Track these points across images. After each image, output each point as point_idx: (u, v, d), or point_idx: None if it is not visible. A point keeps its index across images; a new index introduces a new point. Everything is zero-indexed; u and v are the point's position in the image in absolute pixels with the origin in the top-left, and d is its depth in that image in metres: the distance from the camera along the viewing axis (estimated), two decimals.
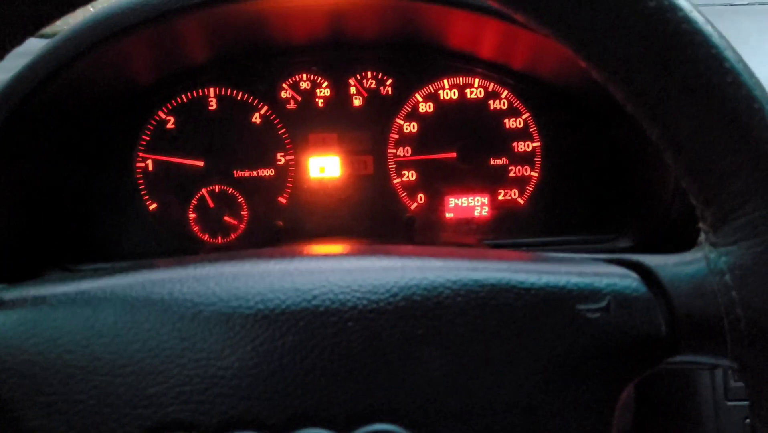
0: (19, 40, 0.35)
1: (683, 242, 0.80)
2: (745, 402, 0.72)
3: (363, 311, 0.34)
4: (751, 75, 0.32)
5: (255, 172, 0.93)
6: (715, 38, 0.32)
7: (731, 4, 0.96)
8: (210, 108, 0.92)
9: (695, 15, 0.32)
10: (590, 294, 0.35)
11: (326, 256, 0.40)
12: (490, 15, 0.75)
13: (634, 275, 0.36)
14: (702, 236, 0.35)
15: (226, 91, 0.92)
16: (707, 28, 0.32)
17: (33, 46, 0.75)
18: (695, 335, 0.34)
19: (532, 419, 0.35)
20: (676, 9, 0.31)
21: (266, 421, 0.34)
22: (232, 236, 0.93)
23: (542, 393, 0.35)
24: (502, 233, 0.93)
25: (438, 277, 0.35)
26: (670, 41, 0.31)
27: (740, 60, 0.32)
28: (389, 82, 0.94)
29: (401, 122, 0.94)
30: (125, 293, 0.36)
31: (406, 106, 0.94)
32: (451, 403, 0.34)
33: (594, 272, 0.36)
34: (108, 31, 0.73)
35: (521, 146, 0.94)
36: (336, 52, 0.93)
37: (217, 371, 0.34)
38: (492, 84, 0.93)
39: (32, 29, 0.35)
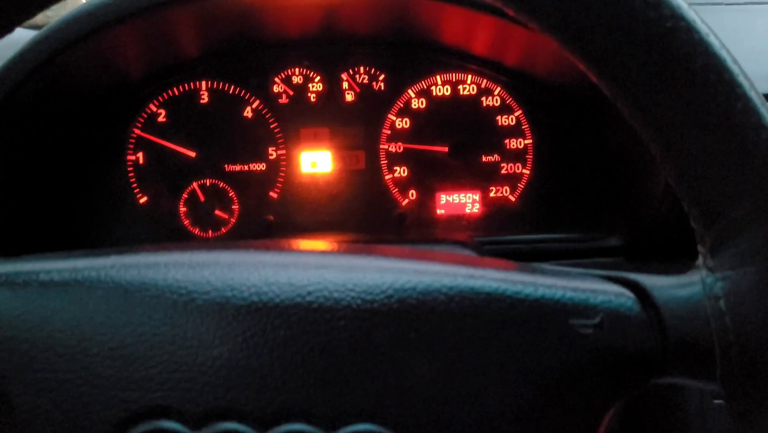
0: (7, 29, 0.35)
1: (672, 242, 0.80)
2: None
3: (356, 310, 0.34)
4: (763, 102, 0.32)
5: (246, 167, 0.93)
6: (729, 63, 0.31)
7: (726, 3, 0.96)
8: (202, 101, 0.92)
9: (711, 38, 0.31)
10: (584, 309, 0.35)
11: (323, 252, 0.40)
12: (483, 11, 0.75)
13: (629, 293, 0.36)
14: (699, 259, 0.35)
15: (218, 85, 0.92)
16: (722, 53, 0.31)
17: (22, 37, 0.74)
18: (686, 358, 0.34)
19: (518, 430, 0.35)
20: (691, 31, 0.31)
21: (252, 413, 0.34)
22: (223, 230, 0.93)
23: (530, 404, 0.35)
24: (493, 229, 0.94)
25: (434, 281, 0.35)
26: (681, 63, 0.31)
27: (752, 87, 0.32)
28: (382, 77, 0.93)
29: (393, 118, 0.94)
30: (119, 275, 0.35)
31: (398, 102, 0.93)
32: (438, 409, 0.34)
33: (589, 288, 0.36)
34: (99, 22, 0.72)
35: (513, 143, 0.94)
36: (329, 47, 0.93)
37: (206, 360, 0.34)
38: (485, 81, 0.93)
39: (21, 17, 0.34)
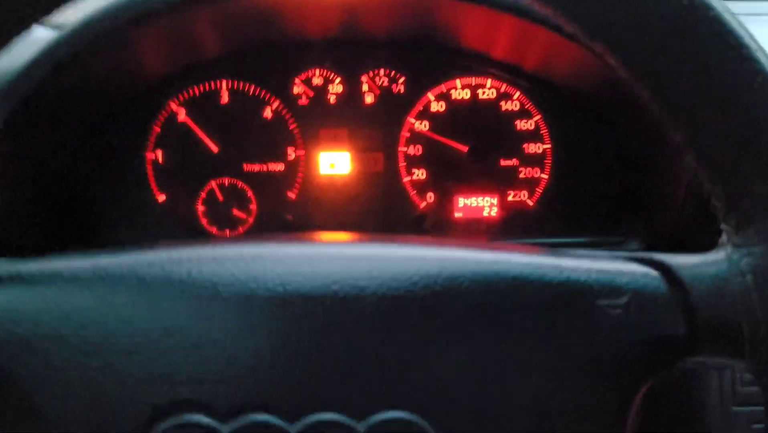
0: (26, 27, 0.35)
1: (692, 246, 0.80)
2: (753, 408, 0.72)
3: (382, 298, 0.34)
4: None
5: (265, 167, 0.93)
6: (746, 39, 0.31)
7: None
8: (222, 101, 0.92)
9: (730, 21, 0.31)
10: (611, 290, 0.35)
11: (347, 242, 0.40)
12: (504, 11, 0.75)
13: (654, 273, 0.36)
14: (724, 237, 0.35)
15: (238, 85, 0.92)
16: (741, 34, 0.31)
17: (44, 36, 0.75)
18: (714, 336, 0.34)
19: (548, 414, 0.35)
20: (710, 14, 0.31)
21: (281, 405, 0.34)
22: (240, 229, 0.93)
23: (560, 388, 0.35)
24: (511, 233, 0.93)
25: (459, 268, 0.35)
26: (701, 46, 0.31)
27: None
28: (402, 80, 0.94)
29: (413, 121, 0.94)
30: (143, 271, 0.35)
31: (418, 105, 0.94)
32: (467, 394, 0.34)
33: (615, 269, 0.36)
34: (122, 21, 0.72)
35: (532, 148, 0.94)
36: (349, 49, 0.93)
37: (233, 353, 0.34)
38: (504, 85, 0.93)
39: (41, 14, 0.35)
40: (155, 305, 0.34)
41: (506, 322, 0.35)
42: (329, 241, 0.41)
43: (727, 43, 0.31)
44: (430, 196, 0.94)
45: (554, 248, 0.40)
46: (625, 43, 0.32)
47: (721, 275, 0.34)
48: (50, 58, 0.73)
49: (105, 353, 0.34)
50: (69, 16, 0.79)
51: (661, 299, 0.35)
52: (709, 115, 0.32)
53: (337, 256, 0.37)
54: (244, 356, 0.34)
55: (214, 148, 0.92)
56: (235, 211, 0.93)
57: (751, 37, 0.32)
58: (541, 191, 0.94)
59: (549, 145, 0.94)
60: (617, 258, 0.38)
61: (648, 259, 0.37)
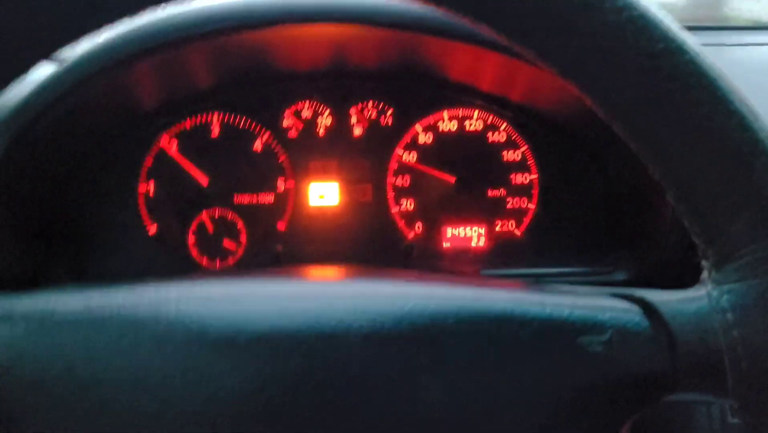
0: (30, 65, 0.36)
1: (680, 277, 0.80)
2: None
3: (367, 337, 0.34)
4: (756, 118, 0.32)
5: (255, 198, 0.94)
6: (722, 81, 0.32)
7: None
8: (212, 134, 0.94)
9: (701, 58, 0.32)
10: (593, 327, 0.35)
11: (332, 280, 0.40)
12: (490, 48, 0.76)
13: (636, 309, 0.36)
14: (704, 274, 0.35)
15: (229, 118, 0.94)
16: (713, 71, 0.32)
17: (42, 70, 0.76)
18: (696, 373, 0.34)
19: None
20: (682, 52, 0.32)
21: None
22: (231, 260, 0.94)
23: (543, 424, 0.35)
24: (499, 263, 0.94)
25: (442, 305, 0.36)
26: (675, 83, 0.32)
27: (745, 102, 0.32)
28: (390, 112, 0.95)
29: (401, 152, 0.95)
30: (132, 310, 0.35)
31: (406, 137, 0.95)
32: (451, 431, 0.34)
33: (597, 306, 0.36)
34: (118, 57, 0.74)
35: (519, 178, 0.95)
36: (337, 82, 0.95)
37: (219, 393, 0.34)
38: (491, 116, 0.94)
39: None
40: (142, 344, 0.35)
41: (490, 358, 0.35)
42: (315, 278, 0.41)
43: (702, 84, 0.32)
44: (419, 227, 0.95)
45: (539, 284, 0.41)
46: (599, 81, 0.33)
47: (701, 312, 0.34)
48: (48, 93, 0.74)
49: (93, 391, 0.34)
50: (70, 52, 0.81)
51: (643, 335, 0.35)
52: (686, 153, 0.32)
53: (322, 294, 0.37)
54: (231, 395, 0.34)
55: (204, 182, 0.93)
56: (226, 243, 0.93)
57: (726, 77, 0.32)
58: (528, 221, 0.95)
59: (536, 176, 0.94)
60: (600, 294, 0.38)
61: (630, 295, 0.38)
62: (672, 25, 0.33)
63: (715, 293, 0.34)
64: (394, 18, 0.72)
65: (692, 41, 0.32)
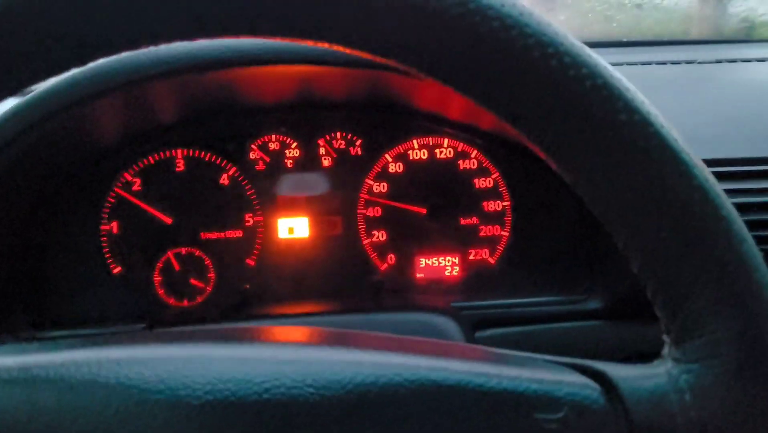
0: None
1: (652, 306, 0.80)
2: None
3: (315, 406, 0.33)
4: (719, 193, 0.32)
5: (223, 234, 0.92)
6: (684, 154, 0.31)
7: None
8: (177, 169, 0.91)
9: (665, 131, 0.32)
10: (548, 402, 0.34)
11: (283, 343, 0.39)
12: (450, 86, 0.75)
13: (594, 385, 0.35)
14: (665, 349, 0.34)
15: (193, 152, 0.92)
16: (676, 144, 0.32)
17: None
18: None
19: None
20: (646, 124, 0.31)
21: None
22: (198, 299, 0.91)
23: None
24: (473, 293, 0.93)
25: (396, 375, 0.34)
26: (637, 157, 0.31)
27: (708, 176, 0.32)
28: (359, 142, 0.94)
29: (371, 182, 0.93)
30: (69, 372, 0.34)
31: (375, 167, 0.93)
32: None
33: (554, 379, 0.35)
34: (80, 95, 0.72)
35: (491, 205, 0.94)
36: (305, 113, 0.93)
37: None
38: (461, 144, 0.94)
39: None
40: (81, 407, 0.33)
41: (442, 430, 0.34)
42: (266, 339, 0.40)
43: (666, 156, 0.31)
44: (391, 258, 0.94)
45: (497, 350, 0.39)
46: (562, 147, 0.32)
47: (659, 390, 0.33)
48: (7, 130, 0.72)
49: None
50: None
51: (599, 412, 0.34)
52: (649, 225, 0.32)
53: (271, 359, 0.36)
54: None
55: (168, 220, 0.91)
56: (193, 281, 0.91)
57: (688, 150, 0.32)
58: (502, 249, 0.94)
59: (508, 203, 0.94)
60: (559, 366, 0.37)
61: (589, 368, 0.37)
62: (636, 94, 0.32)
63: (674, 372, 0.33)
64: (352, 58, 0.71)
65: (655, 112, 0.32)
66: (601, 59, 0.32)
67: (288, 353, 0.37)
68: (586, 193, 0.33)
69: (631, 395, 0.34)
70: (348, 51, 0.34)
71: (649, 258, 0.32)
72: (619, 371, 0.35)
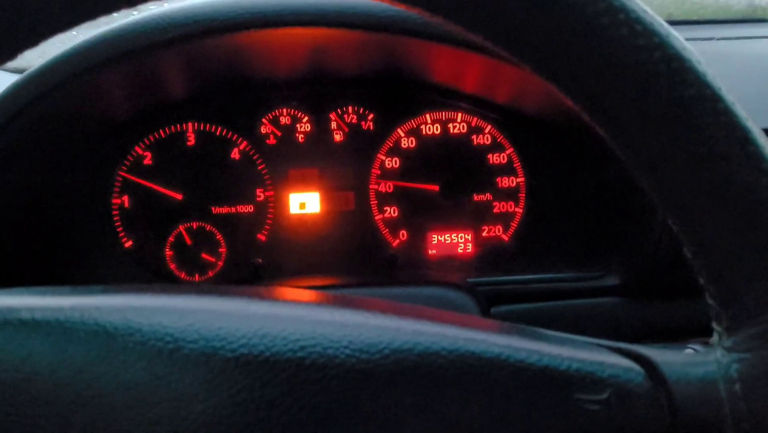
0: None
1: (670, 282, 0.78)
2: None
3: (350, 370, 0.32)
4: None
5: (234, 209, 0.91)
6: (754, 135, 0.30)
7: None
8: (188, 143, 0.91)
9: (736, 108, 0.30)
10: (591, 383, 0.33)
11: (319, 304, 0.38)
12: (473, 50, 0.74)
13: (638, 368, 0.34)
14: (714, 337, 0.33)
15: (204, 126, 0.91)
16: (748, 124, 0.30)
17: (3, 81, 0.74)
18: None
19: None
20: (715, 99, 0.30)
21: None
22: (210, 273, 0.91)
23: None
24: (486, 270, 0.91)
25: (433, 343, 0.33)
26: (703, 139, 0.30)
27: None
28: (371, 117, 0.92)
29: (383, 157, 0.92)
30: (103, 317, 0.33)
31: (388, 142, 0.92)
32: None
33: (597, 360, 0.34)
34: (84, 65, 0.71)
35: (505, 182, 0.92)
36: (316, 87, 0.92)
37: (189, 414, 0.31)
38: (475, 119, 0.92)
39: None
40: (112, 356, 0.32)
41: (479, 405, 0.33)
42: (301, 300, 0.39)
43: (734, 137, 0.30)
44: (403, 234, 0.92)
45: (536, 329, 0.38)
46: (623, 125, 0.31)
47: (708, 379, 0.32)
48: (12, 104, 0.72)
49: (54, 404, 0.32)
50: (31, 61, 0.78)
51: (643, 397, 0.33)
52: (709, 209, 0.31)
53: (307, 318, 0.35)
54: (201, 419, 0.32)
55: (179, 195, 0.90)
56: (204, 255, 0.91)
57: (760, 132, 0.30)
58: (515, 226, 0.92)
59: (522, 179, 0.92)
60: (601, 348, 0.36)
61: (633, 352, 0.36)
62: (707, 68, 0.30)
63: (724, 361, 0.32)
64: (370, 20, 0.70)
65: (726, 87, 0.30)
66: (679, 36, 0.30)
67: (325, 314, 0.36)
68: (646, 175, 0.32)
69: (677, 381, 0.33)
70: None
71: (707, 247, 0.31)
72: (664, 357, 0.34)
